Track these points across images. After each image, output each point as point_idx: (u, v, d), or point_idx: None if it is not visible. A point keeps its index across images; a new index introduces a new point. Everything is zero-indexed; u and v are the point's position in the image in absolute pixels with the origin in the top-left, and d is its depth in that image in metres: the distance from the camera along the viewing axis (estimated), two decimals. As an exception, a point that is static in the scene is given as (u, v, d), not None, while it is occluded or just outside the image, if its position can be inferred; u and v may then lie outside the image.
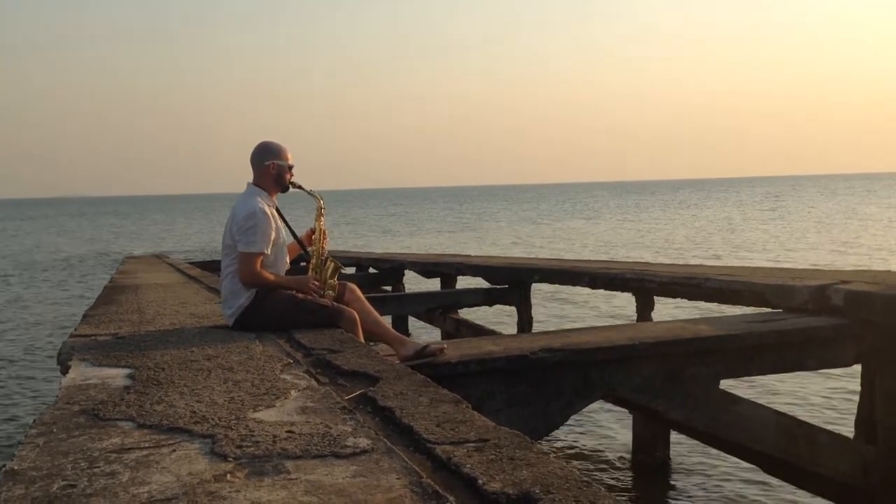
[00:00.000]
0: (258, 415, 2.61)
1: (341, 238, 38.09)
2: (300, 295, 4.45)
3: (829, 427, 5.59)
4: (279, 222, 4.55)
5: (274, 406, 2.72)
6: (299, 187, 4.63)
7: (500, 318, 12.56)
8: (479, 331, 9.32)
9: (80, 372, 3.44)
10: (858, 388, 5.23)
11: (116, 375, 3.33)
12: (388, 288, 13.15)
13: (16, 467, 2.10)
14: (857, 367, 5.23)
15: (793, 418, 5.14)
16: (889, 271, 6.25)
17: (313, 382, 3.09)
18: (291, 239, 4.74)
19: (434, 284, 12.08)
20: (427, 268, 11.93)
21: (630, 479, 6.40)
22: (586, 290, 10.03)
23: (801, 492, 5.43)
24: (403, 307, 10.69)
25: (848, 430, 5.52)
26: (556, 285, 9.56)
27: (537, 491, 1.80)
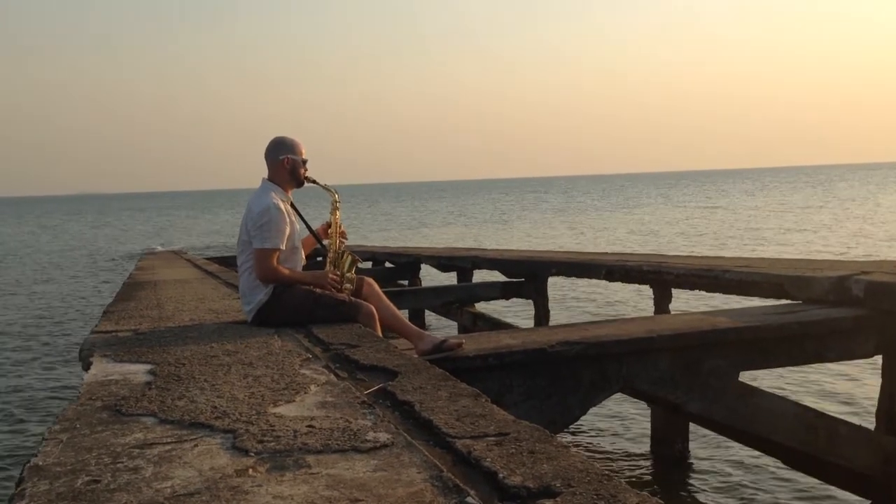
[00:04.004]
0: (278, 410, 2.63)
1: (386, 232, 37.89)
2: (318, 290, 4.46)
3: (849, 419, 5.55)
4: (293, 217, 4.56)
5: (294, 401, 2.74)
6: (314, 182, 4.65)
7: (517, 311, 12.55)
8: (496, 324, 9.33)
9: (102, 368, 3.47)
10: (879, 380, 5.20)
11: (138, 371, 3.36)
12: (405, 282, 13.18)
13: (40, 463, 2.13)
14: (878, 359, 5.19)
15: (812, 410, 5.11)
16: (910, 261, 6.19)
17: (332, 377, 3.10)
18: (307, 234, 4.76)
19: (450, 278, 12.09)
20: (443, 262, 11.95)
21: (649, 471, 6.39)
22: (603, 283, 10.00)
23: (821, 483, 5.40)
24: (420, 301, 10.73)
25: (869, 422, 5.48)
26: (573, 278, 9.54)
27: (558, 484, 1.80)
